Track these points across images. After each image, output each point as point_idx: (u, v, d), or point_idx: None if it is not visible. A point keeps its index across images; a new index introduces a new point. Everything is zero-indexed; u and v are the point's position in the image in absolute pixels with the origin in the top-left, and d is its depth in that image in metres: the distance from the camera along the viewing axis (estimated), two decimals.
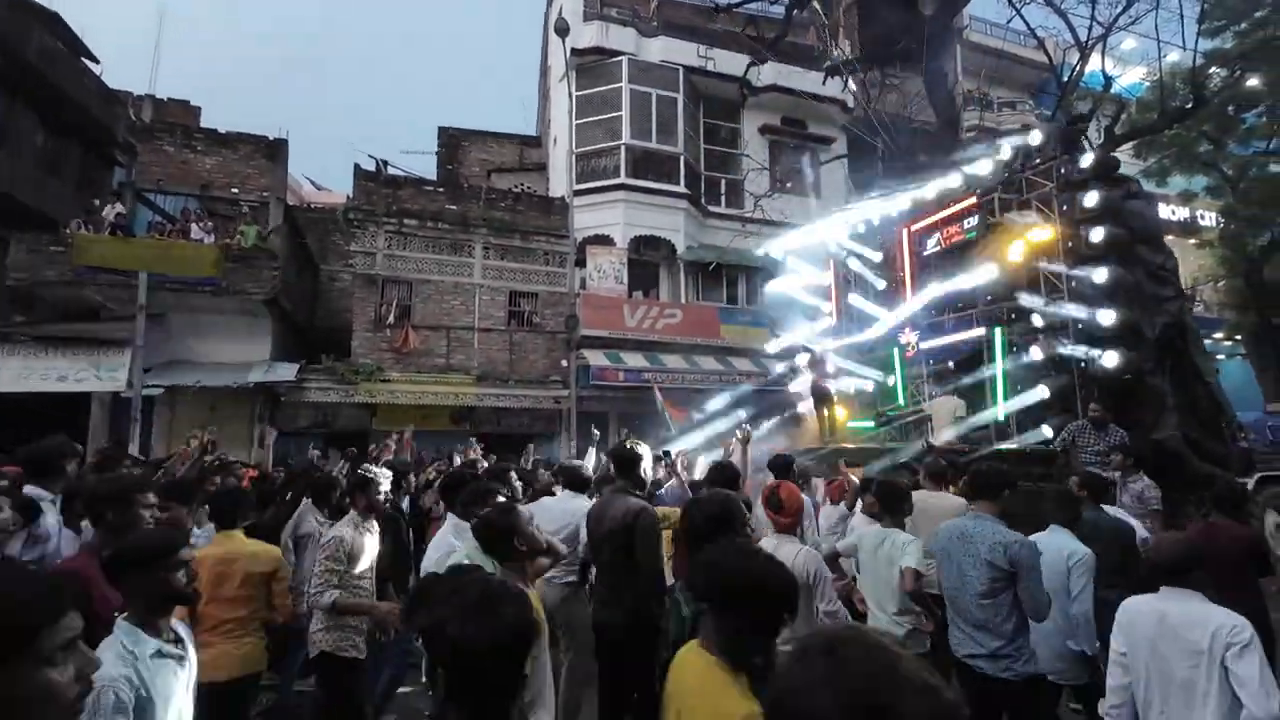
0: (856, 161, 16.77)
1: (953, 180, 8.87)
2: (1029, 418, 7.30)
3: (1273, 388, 16.61)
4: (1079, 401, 6.67)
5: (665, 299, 14.70)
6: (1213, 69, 15.00)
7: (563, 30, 12.69)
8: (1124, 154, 11.41)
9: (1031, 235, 7.56)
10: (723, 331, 14.28)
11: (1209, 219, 19.61)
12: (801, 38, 16.66)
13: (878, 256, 10.61)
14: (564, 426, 12.97)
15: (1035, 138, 8.12)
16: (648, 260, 14.85)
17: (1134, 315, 6.61)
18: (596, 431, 7.04)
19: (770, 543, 2.99)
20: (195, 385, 10.62)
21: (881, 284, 10.55)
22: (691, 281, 15.01)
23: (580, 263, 13.79)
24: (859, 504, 4.42)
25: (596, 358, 12.83)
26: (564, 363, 13.14)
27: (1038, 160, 7.94)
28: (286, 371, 11.30)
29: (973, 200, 8.51)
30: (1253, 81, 15.36)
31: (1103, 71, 12.71)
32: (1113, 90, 13.64)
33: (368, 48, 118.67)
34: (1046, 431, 6.80)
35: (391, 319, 12.53)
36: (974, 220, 8.50)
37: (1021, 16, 12.32)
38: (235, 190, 12.13)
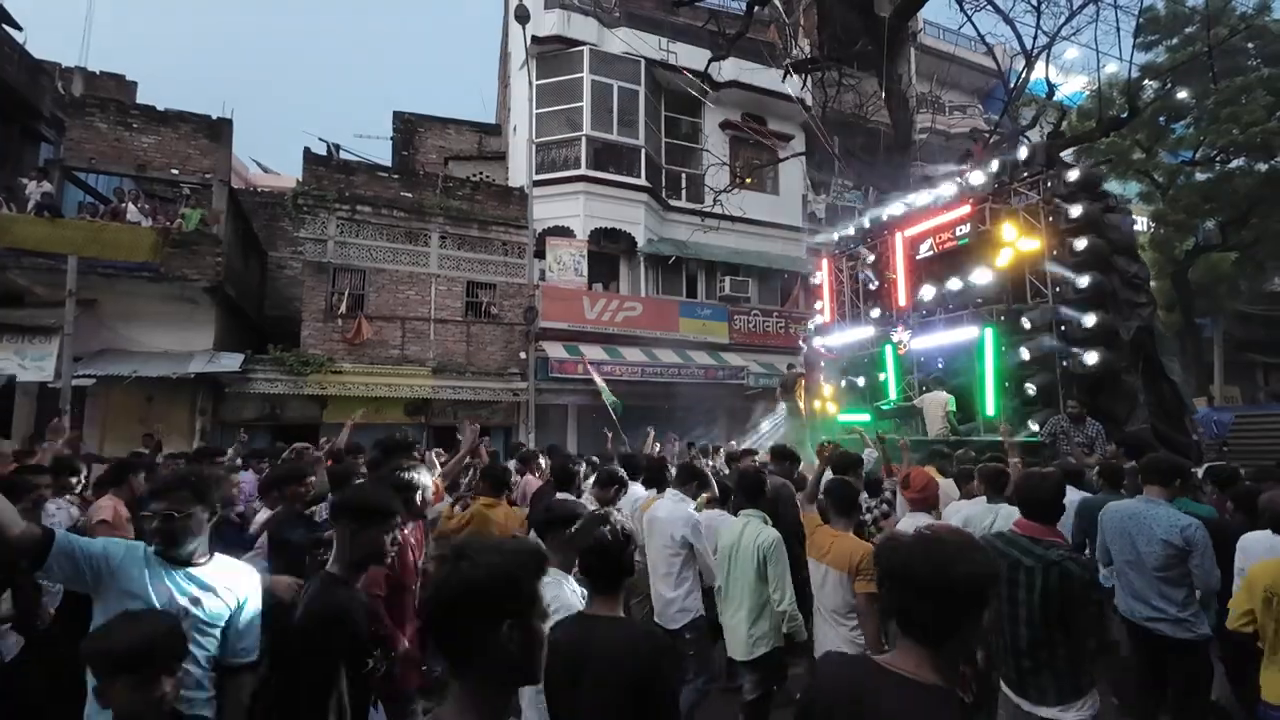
0: (815, 159, 17.08)
1: (946, 190, 9.43)
2: (1016, 413, 7.85)
3: (1192, 385, 17.74)
4: (1061, 397, 7.23)
5: (625, 292, 14.71)
6: (1146, 81, 15.83)
7: (523, 17, 12.49)
8: (1064, 159, 12.02)
9: (1020, 244, 8.08)
10: (682, 325, 14.38)
11: (1140, 224, 20.72)
12: (762, 35, 16.81)
13: (870, 257, 11.05)
14: (522, 419, 12.88)
15: (1021, 153, 8.74)
16: (608, 253, 14.81)
17: (1111, 319, 7.18)
18: (608, 433, 7.86)
19: (908, 520, 3.49)
20: (131, 375, 10.10)
21: (873, 284, 10.99)
22: (651, 275, 15.05)
23: (539, 254, 13.66)
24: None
25: (555, 350, 12.76)
26: (522, 355, 13.01)
27: (1025, 174, 8.47)
28: (230, 361, 10.86)
29: (966, 209, 9.00)
30: (1182, 94, 16.29)
31: (1047, 80, 13.24)
32: (1055, 98, 14.24)
33: (321, 26, 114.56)
34: (1034, 426, 7.37)
35: (343, 309, 12.18)
36: (966, 228, 9.00)
37: (972, 23, 12.72)
38: (175, 171, 11.52)
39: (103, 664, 1.59)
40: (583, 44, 14.42)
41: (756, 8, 13.29)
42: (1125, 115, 12.69)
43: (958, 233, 9.09)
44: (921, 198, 9.71)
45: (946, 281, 9.06)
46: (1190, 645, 3.25)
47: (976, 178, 8.92)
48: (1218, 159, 16.58)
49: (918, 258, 9.86)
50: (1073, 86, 17.23)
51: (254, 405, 11.55)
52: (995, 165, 8.82)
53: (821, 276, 11.65)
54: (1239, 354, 20.69)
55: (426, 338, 12.74)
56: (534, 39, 13.59)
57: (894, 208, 10.13)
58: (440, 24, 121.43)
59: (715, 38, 13.60)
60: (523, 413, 12.86)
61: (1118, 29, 12.08)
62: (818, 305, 11.88)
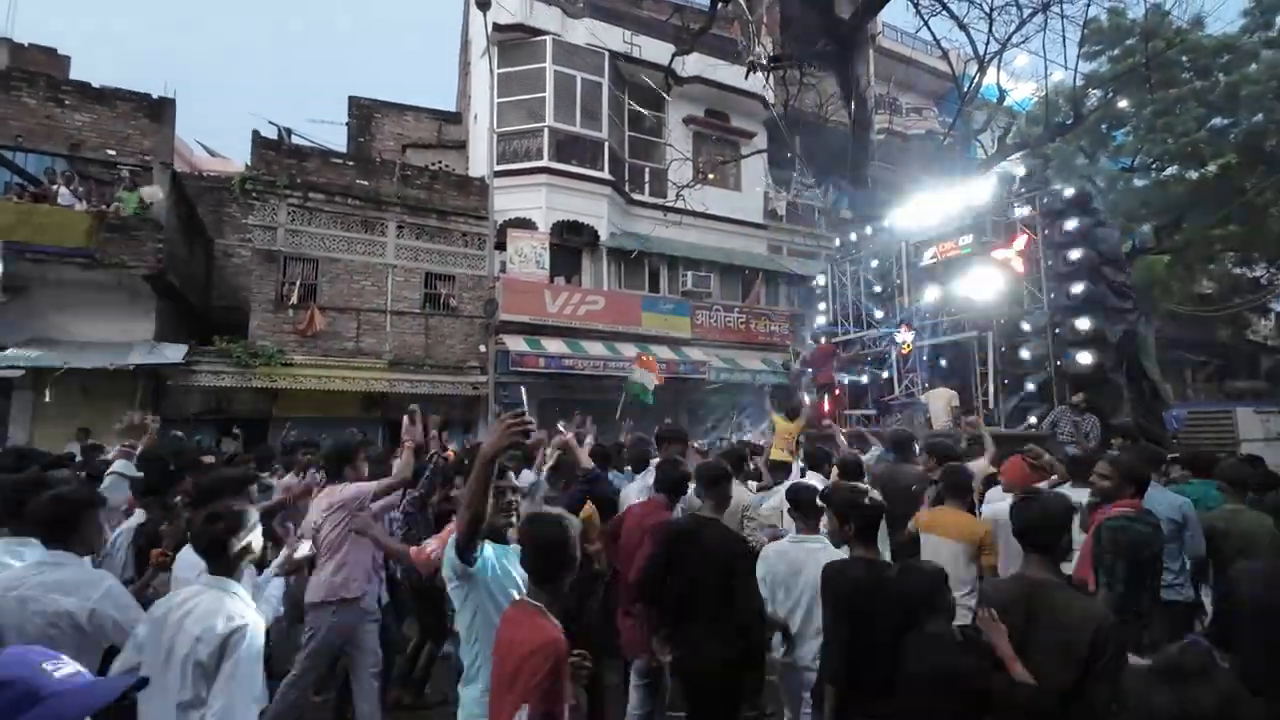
0: (776, 156, 17.26)
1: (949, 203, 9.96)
2: (1014, 407, 8.56)
3: None
4: (1055, 393, 7.91)
5: (587, 285, 14.62)
6: (1090, 89, 16.48)
7: (484, 4, 12.21)
8: (1014, 162, 12.48)
9: (1018, 253, 8.72)
10: (644, 320, 14.38)
11: None
12: (726, 31, 16.87)
13: (873, 263, 11.61)
14: (482, 414, 12.69)
15: (1020, 170, 9.63)
16: (570, 245, 14.69)
17: (1100, 323, 7.90)
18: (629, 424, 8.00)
19: (990, 506, 3.89)
20: (63, 366, 9.56)
21: (878, 288, 11.57)
22: (614, 269, 15.00)
23: (500, 246, 13.46)
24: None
25: (516, 343, 12.61)
26: (482, 348, 12.82)
27: (1023, 190, 9.19)
28: (173, 353, 10.39)
29: (968, 221, 9.59)
30: (1122, 103, 17.02)
31: (998, 85, 13.67)
32: (1006, 103, 14.72)
33: (274, 6, 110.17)
34: (1032, 419, 8.08)
35: (295, 299, 11.77)
36: (969, 239, 9.55)
37: (929, 28, 13.01)
38: (112, 152, 10.92)
39: None
40: (546, 34, 14.23)
41: (720, 4, 13.30)
42: (1070, 122, 13.19)
43: (960, 243, 9.72)
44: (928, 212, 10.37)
45: (949, 287, 9.71)
46: (1171, 604, 3.77)
47: (978, 191, 9.54)
48: (1154, 166, 17.40)
49: (921, 265, 10.48)
50: (1022, 92, 17.82)
51: (199, 399, 11.10)
52: (995, 179, 9.52)
53: (826, 279, 12.20)
54: (1169, 352, 21.80)
55: (382, 330, 12.43)
56: (496, 26, 13.33)
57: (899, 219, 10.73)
58: (400, 6, 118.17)
59: (679, 32, 13.58)
60: (483, 407, 12.68)
61: (1064, 38, 12.50)
62: (821, 306, 12.54)
